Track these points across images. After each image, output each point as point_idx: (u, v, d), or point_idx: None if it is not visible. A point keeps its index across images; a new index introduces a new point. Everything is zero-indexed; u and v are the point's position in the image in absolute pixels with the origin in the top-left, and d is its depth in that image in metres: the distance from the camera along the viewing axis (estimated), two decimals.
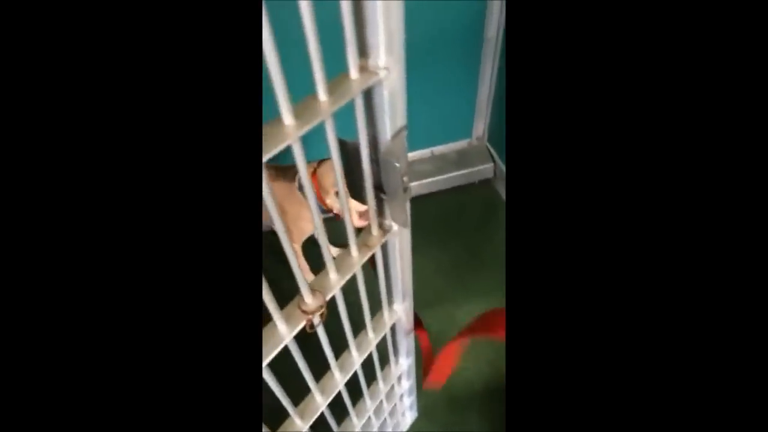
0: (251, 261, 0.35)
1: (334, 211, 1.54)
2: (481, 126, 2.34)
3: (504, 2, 1.84)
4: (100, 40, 0.26)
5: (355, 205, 1.39)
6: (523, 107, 0.37)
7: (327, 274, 0.69)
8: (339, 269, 0.70)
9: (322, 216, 1.65)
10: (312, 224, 1.50)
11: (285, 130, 0.46)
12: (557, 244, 0.36)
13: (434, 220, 2.20)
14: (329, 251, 0.60)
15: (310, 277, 1.76)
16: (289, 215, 1.55)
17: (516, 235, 0.38)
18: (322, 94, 0.48)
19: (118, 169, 0.29)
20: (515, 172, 0.39)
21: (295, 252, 1.87)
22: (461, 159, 2.33)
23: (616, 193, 0.33)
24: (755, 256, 0.29)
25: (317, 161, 1.45)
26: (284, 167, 1.70)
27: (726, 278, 0.30)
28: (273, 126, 0.46)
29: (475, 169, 2.30)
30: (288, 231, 1.55)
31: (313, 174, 1.45)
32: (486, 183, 2.37)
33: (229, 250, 0.34)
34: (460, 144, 2.40)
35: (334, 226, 1.47)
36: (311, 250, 1.78)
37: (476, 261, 2.00)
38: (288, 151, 0.47)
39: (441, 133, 2.34)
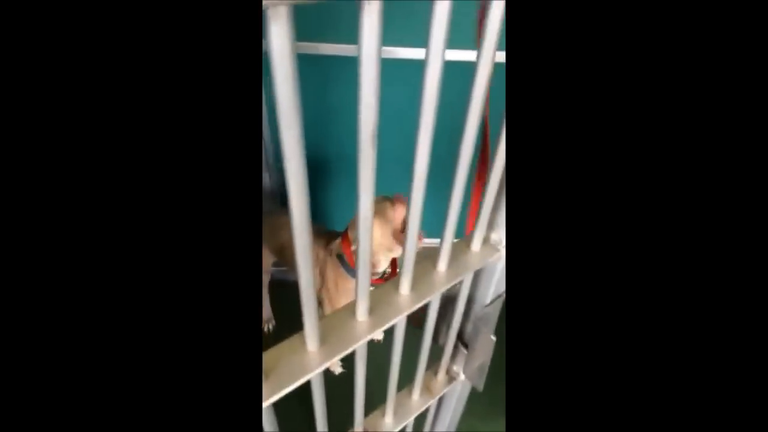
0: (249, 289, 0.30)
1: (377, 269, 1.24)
2: None
3: None
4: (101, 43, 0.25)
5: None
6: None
7: (382, 416, 0.64)
8: (396, 412, 0.65)
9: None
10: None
11: (400, 300, 0.44)
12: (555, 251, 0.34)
13: None
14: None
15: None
16: (329, 285, 1.42)
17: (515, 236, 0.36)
18: (442, 265, 0.46)
19: (115, 175, 0.27)
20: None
21: None
22: None
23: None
24: (755, 257, 0.29)
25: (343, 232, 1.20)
26: (318, 228, 1.34)
27: (726, 284, 0.30)
28: (387, 292, 0.44)
29: None
30: (329, 300, 1.41)
31: (344, 239, 1.19)
32: None
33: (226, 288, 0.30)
34: None
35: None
36: None
37: None
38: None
39: None
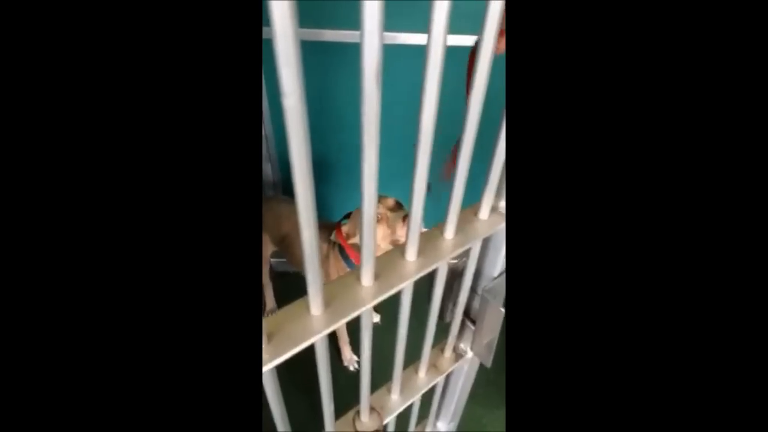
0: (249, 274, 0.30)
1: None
2: None
3: None
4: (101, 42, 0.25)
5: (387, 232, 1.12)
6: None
7: (388, 393, 0.63)
8: (403, 390, 0.63)
9: None
10: None
11: (407, 266, 0.42)
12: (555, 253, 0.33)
13: None
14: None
15: (347, 350, 1.60)
16: (332, 277, 1.43)
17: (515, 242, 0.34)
18: (449, 233, 0.45)
19: (115, 175, 0.27)
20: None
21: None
22: None
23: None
24: (755, 258, 0.29)
25: (340, 221, 1.24)
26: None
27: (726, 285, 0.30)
28: (393, 258, 0.43)
29: None
30: None
31: (338, 230, 1.22)
32: None
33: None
34: None
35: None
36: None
37: None
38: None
39: None
